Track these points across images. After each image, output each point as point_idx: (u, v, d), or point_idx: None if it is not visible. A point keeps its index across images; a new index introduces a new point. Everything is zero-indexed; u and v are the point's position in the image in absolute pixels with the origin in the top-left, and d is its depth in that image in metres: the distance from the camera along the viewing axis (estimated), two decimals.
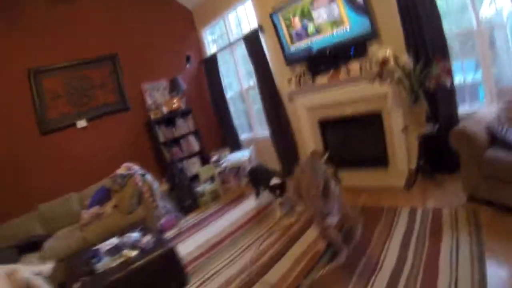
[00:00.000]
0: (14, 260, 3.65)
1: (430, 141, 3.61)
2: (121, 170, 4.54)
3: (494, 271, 2.23)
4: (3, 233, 4.19)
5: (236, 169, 5.90)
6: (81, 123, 5.20)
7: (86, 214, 4.36)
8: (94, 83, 5.39)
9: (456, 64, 3.59)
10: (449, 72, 3.21)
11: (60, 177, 4.98)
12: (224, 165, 5.70)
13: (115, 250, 3.30)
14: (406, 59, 3.48)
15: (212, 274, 3.36)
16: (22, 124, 4.71)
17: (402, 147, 4.06)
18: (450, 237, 2.69)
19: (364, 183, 4.21)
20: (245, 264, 3.31)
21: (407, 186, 3.80)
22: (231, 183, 5.94)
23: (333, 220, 2.96)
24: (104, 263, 3.16)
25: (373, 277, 2.58)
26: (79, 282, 2.93)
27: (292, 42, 4.72)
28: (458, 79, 3.64)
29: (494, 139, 2.83)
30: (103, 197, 4.67)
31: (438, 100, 3.55)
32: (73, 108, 5.16)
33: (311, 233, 3.42)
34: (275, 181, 4.02)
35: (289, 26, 4.63)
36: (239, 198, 5.31)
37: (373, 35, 3.86)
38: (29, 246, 4.04)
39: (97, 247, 3.38)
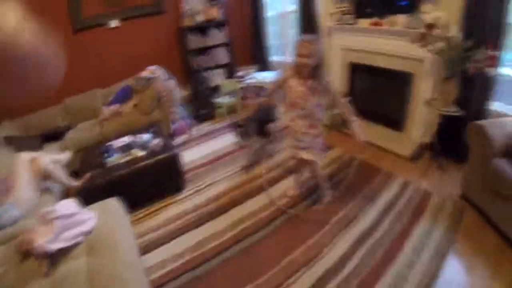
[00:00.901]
0: (37, 147, 4.05)
1: (450, 123, 3.44)
2: (146, 73, 4.69)
3: (449, 271, 2.35)
4: (30, 123, 4.54)
5: (259, 89, 5.97)
6: (114, 23, 5.20)
7: (106, 110, 4.63)
8: None
9: (509, 56, 3.19)
10: (494, 62, 2.95)
11: (88, 73, 5.14)
12: (248, 81, 5.77)
13: (126, 148, 3.61)
14: (456, 32, 3.22)
15: (208, 185, 3.72)
16: (56, 21, 4.73)
17: (421, 118, 3.94)
18: (427, 223, 2.79)
19: (374, 139, 4.18)
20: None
21: (412, 158, 3.78)
22: (250, 100, 6.05)
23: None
24: (114, 159, 3.50)
25: (344, 230, 2.81)
26: (90, 172, 3.29)
27: None
28: (504, 71, 3.24)
29: (510, 152, 2.62)
30: (126, 95, 4.90)
31: (473, 86, 3.26)
32: (108, 7, 5.10)
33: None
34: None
35: None
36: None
37: None
38: (51, 136, 4.43)
39: (110, 143, 3.69)
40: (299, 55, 2.55)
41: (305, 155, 2.86)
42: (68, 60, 4.90)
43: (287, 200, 3.28)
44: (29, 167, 2.91)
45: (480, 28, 3.08)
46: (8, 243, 2.22)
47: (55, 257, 1.99)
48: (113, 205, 2.54)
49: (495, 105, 3.36)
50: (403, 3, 3.80)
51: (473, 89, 3.28)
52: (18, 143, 3.89)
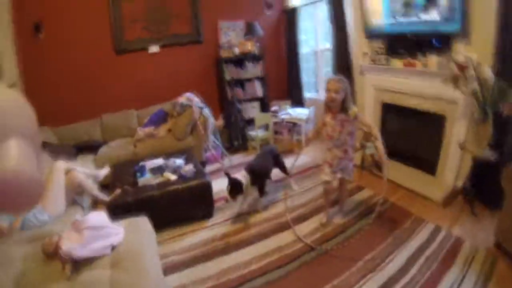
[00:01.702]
0: (72, 157, 4.21)
1: (484, 167, 3.32)
2: (182, 99, 4.82)
3: None
4: (68, 132, 4.79)
5: (292, 124, 6.00)
6: (154, 49, 5.47)
7: (141, 131, 4.77)
8: (172, 11, 5.52)
9: None
10: None
11: (125, 94, 5.42)
12: (282, 117, 5.81)
13: (158, 170, 3.66)
14: (488, 73, 3.18)
15: (237, 215, 3.66)
16: (101, 43, 5.11)
17: (454, 161, 3.83)
18: (459, 272, 2.64)
19: (405, 181, 4.12)
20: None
21: (444, 203, 3.64)
22: (283, 135, 6.07)
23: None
24: (146, 179, 3.55)
25: (370, 275, 2.69)
26: (121, 188, 3.32)
27: (386, 15, 4.31)
28: None
29: None
30: (160, 119, 5.05)
31: (507, 129, 3.19)
32: (148, 33, 5.40)
33: None
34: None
35: None
36: (287, 152, 5.44)
37: (462, 33, 3.45)
38: (86, 148, 4.61)
39: (143, 163, 3.74)
40: (328, 90, 2.97)
41: (340, 174, 3.26)
42: (109, 79, 5.22)
43: (315, 237, 3.23)
44: (63, 176, 2.97)
45: None
46: (34, 243, 2.27)
47: (80, 265, 2.01)
48: (142, 222, 2.57)
49: None
50: (435, 43, 3.78)
51: (508, 131, 3.19)
52: (53, 150, 4.01)
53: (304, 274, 2.74)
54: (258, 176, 3.61)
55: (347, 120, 3.00)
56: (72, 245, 1.97)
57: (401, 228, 3.26)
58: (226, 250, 3.09)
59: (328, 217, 3.48)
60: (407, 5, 3.95)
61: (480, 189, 3.46)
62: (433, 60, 3.78)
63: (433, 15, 3.68)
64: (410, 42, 4.05)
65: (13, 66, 4.45)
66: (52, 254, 2.00)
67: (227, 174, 3.42)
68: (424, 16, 3.76)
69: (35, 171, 0.57)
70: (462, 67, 3.24)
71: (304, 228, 3.38)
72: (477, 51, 3.33)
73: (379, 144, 3.03)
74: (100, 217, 2.30)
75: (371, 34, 4.60)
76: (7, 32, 4.37)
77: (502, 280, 2.52)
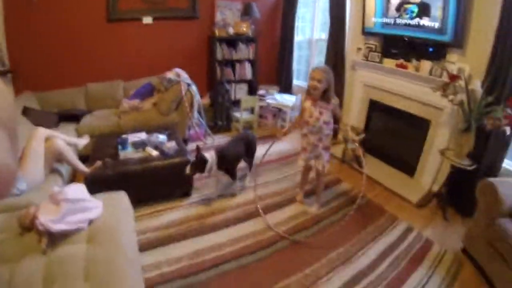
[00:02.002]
0: (54, 125, 4.12)
1: (461, 175, 3.42)
2: (171, 74, 4.74)
3: None
4: (51, 99, 4.65)
5: (277, 110, 6.01)
6: (147, 20, 5.32)
7: (126, 103, 4.68)
8: None
9: None
10: None
11: (113, 64, 5.27)
12: (268, 101, 5.81)
13: (140, 145, 3.63)
14: (477, 86, 3.27)
15: (215, 198, 3.68)
16: (94, 8, 4.91)
17: (433, 166, 3.94)
18: (425, 272, 2.74)
19: (383, 179, 4.21)
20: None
21: (419, 204, 3.76)
22: (268, 120, 6.08)
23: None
24: (127, 152, 3.52)
25: (342, 266, 2.78)
26: (101, 160, 3.29)
27: (381, 14, 4.32)
28: None
29: None
30: (147, 92, 4.97)
31: (488, 142, 3.28)
32: (144, 4, 5.25)
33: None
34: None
35: None
36: (270, 137, 5.45)
37: (457, 44, 3.53)
38: (69, 116, 4.48)
39: (126, 136, 3.69)
40: (312, 78, 3.03)
41: (313, 162, 3.35)
42: (99, 47, 5.07)
43: (289, 226, 3.29)
44: (44, 144, 2.92)
45: (502, 85, 3.12)
46: (9, 213, 2.23)
47: (56, 238, 1.98)
48: (121, 198, 2.54)
49: (508, 163, 3.40)
50: (430, 49, 3.85)
51: (488, 145, 3.29)
52: (35, 117, 3.95)
53: (276, 261, 2.80)
54: (226, 161, 3.51)
55: (326, 108, 3.09)
56: (49, 217, 1.95)
57: (375, 225, 3.35)
58: (201, 230, 3.11)
59: (303, 198, 3.70)
60: (399, 10, 4.01)
61: (455, 195, 3.60)
62: (425, 65, 3.84)
63: (427, 23, 3.74)
64: (405, 45, 4.11)
65: None
66: (28, 226, 1.97)
67: (198, 149, 3.38)
68: (420, 22, 3.81)
69: (5, 158, 0.55)
70: (453, 77, 3.30)
71: (279, 215, 3.43)
72: (470, 63, 3.43)
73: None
74: (78, 190, 2.27)
75: (368, 31, 4.61)
76: None
77: (465, 285, 2.64)
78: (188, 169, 3.26)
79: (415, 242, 3.11)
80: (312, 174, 3.66)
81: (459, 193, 3.57)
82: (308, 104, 3.16)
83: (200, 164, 3.29)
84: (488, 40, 3.20)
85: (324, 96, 3.06)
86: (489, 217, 2.64)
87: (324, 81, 2.97)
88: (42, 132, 2.98)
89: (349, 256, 2.89)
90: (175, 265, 2.67)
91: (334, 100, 3.12)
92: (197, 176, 3.49)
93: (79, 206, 2.12)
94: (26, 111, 3.97)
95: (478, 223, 2.79)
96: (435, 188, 3.85)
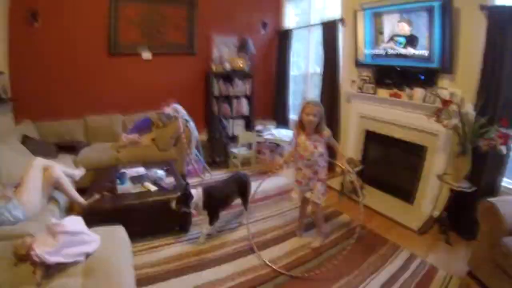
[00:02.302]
0: (52, 155, 4.11)
1: (461, 198, 3.45)
2: (169, 110, 4.80)
3: None
4: (50, 129, 4.69)
5: (275, 145, 6.02)
6: (146, 55, 5.45)
7: (125, 138, 4.71)
8: (168, 21, 5.55)
9: None
10: (507, 141, 3.02)
11: (112, 97, 5.34)
12: (265, 136, 5.84)
13: (139, 179, 3.62)
14: (470, 109, 3.35)
15: (214, 233, 3.60)
16: (96, 41, 5.05)
17: (432, 191, 3.95)
18: None
19: (383, 209, 4.19)
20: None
21: (421, 231, 3.73)
22: (265, 156, 6.07)
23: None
24: (126, 187, 3.47)
25: None
26: (100, 194, 3.26)
27: (372, 46, 4.50)
28: None
29: None
30: (145, 127, 5.01)
31: (485, 163, 3.33)
32: (143, 38, 5.39)
33: None
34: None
35: (379, 30, 4.36)
36: (268, 173, 5.42)
37: (447, 70, 3.66)
38: (67, 148, 4.50)
39: (124, 170, 3.67)
40: (306, 113, 3.08)
41: (309, 195, 3.36)
42: (99, 79, 5.18)
43: (290, 259, 3.21)
44: (42, 173, 2.92)
45: (494, 105, 3.21)
46: (4, 241, 2.19)
47: (51, 270, 1.94)
48: (119, 232, 2.51)
49: (506, 182, 3.40)
50: (421, 77, 3.96)
51: (485, 166, 3.33)
52: (34, 146, 3.97)
53: None
54: (211, 200, 3.34)
55: (319, 141, 3.13)
56: (45, 248, 1.91)
57: (377, 255, 3.29)
58: (200, 266, 3.03)
59: (302, 232, 3.65)
60: (390, 42, 4.18)
61: (456, 219, 3.59)
62: (418, 93, 3.94)
63: (417, 52, 3.88)
64: (398, 74, 4.22)
65: (4, 54, 4.40)
66: (23, 256, 1.92)
67: (187, 184, 3.34)
68: (409, 52, 3.96)
69: None
70: (446, 102, 3.38)
71: (278, 250, 3.35)
72: (461, 87, 3.54)
73: (344, 162, 3.24)
74: (76, 222, 2.24)
75: (360, 63, 4.74)
76: (2, 19, 4.32)
77: None
78: (173, 204, 3.16)
79: (419, 270, 3.05)
80: (310, 207, 3.57)
81: (460, 217, 3.57)
82: (302, 138, 3.20)
83: (185, 199, 3.19)
84: (476, 64, 3.34)
85: (317, 129, 3.12)
86: (493, 237, 2.62)
87: (318, 115, 3.05)
88: (40, 161, 3.00)
89: None
90: None
91: (326, 132, 3.16)
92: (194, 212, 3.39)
93: (76, 239, 2.09)
94: (25, 140, 4.02)
95: (482, 245, 2.78)
96: (436, 213, 3.85)
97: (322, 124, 3.12)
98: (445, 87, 3.70)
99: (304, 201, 3.53)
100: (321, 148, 3.16)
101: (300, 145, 3.20)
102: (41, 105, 4.78)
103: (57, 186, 3.05)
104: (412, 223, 3.83)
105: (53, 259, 1.90)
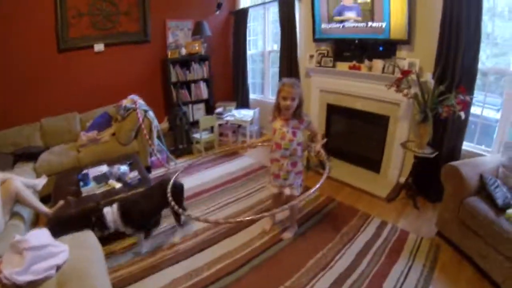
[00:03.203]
0: (9, 166, 3.90)
1: (425, 164, 3.60)
2: (127, 102, 4.64)
3: None
4: (3, 138, 4.33)
5: (237, 126, 6.02)
6: (99, 47, 5.18)
7: (84, 136, 4.51)
8: (119, 8, 5.25)
9: (478, 94, 3.43)
10: (466, 107, 3.14)
11: (67, 95, 5.06)
12: (226, 118, 5.81)
13: (102, 178, 3.50)
14: (429, 77, 3.44)
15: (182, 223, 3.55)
16: (42, 38, 4.69)
17: (397, 159, 4.11)
18: (405, 262, 2.83)
19: (351, 180, 4.30)
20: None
21: (388, 198, 3.87)
22: (228, 137, 6.06)
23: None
24: (90, 188, 3.38)
25: (321, 273, 2.78)
26: (64, 199, 3.15)
27: (328, 20, 4.47)
28: (475, 110, 3.49)
29: (483, 189, 2.77)
30: (104, 122, 4.84)
31: (446, 129, 3.49)
32: (94, 30, 5.10)
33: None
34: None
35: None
36: (232, 154, 5.47)
37: (405, 40, 3.71)
38: (25, 156, 4.21)
39: (86, 171, 3.56)
40: (283, 98, 2.72)
41: (288, 191, 2.96)
42: (49, 79, 4.85)
43: (263, 240, 3.23)
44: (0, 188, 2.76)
45: (452, 73, 3.33)
46: None
47: None
48: (87, 237, 2.43)
49: (467, 145, 3.59)
50: (380, 48, 4.02)
51: (446, 131, 3.49)
52: None
53: (255, 278, 2.76)
54: (131, 217, 2.88)
55: (298, 128, 2.81)
56: (13, 269, 1.83)
57: (349, 225, 3.40)
58: (175, 259, 3.01)
59: (273, 223, 3.46)
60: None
61: (422, 184, 3.77)
62: (378, 64, 4.01)
63: (374, 24, 3.93)
64: (356, 47, 4.26)
65: None
66: None
67: (98, 204, 2.90)
68: (368, 24, 3.99)
69: None
70: (405, 72, 3.46)
71: (253, 231, 3.38)
72: (420, 57, 3.63)
73: (320, 147, 2.88)
74: (41, 235, 2.14)
75: (319, 37, 4.74)
76: None
77: (446, 266, 2.77)
78: (96, 232, 2.67)
79: (390, 235, 3.20)
80: (287, 191, 3.02)
81: (426, 181, 3.74)
82: (278, 124, 2.85)
83: (99, 222, 2.77)
84: (434, 33, 3.42)
85: (296, 113, 2.78)
86: (457, 199, 2.81)
87: (297, 98, 2.72)
88: None
89: (328, 261, 2.91)
90: None
91: (307, 117, 2.85)
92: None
93: (44, 253, 2.01)
94: None
95: (447, 206, 2.95)
96: (402, 180, 4.01)
97: (302, 108, 2.80)
98: (404, 57, 3.78)
99: (279, 197, 3.15)
100: (300, 136, 2.84)
101: (277, 132, 2.85)
102: None
103: (18, 199, 2.89)
104: (380, 191, 3.97)
105: (22, 278, 1.82)
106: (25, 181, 3.12)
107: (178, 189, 3.22)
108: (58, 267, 2.05)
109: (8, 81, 4.56)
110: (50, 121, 4.73)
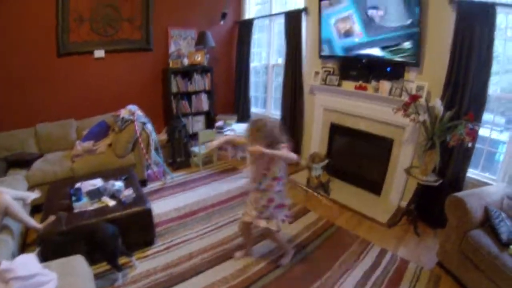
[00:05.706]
0: (2, 173, 3.80)
1: (428, 190, 3.52)
2: (125, 113, 4.53)
3: None
4: None
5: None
6: (99, 53, 5.07)
7: (80, 146, 4.39)
8: (122, 15, 5.15)
9: (486, 117, 3.37)
10: (474, 136, 3.08)
11: (64, 101, 4.94)
12: (226, 133, 5.71)
13: (96, 194, 3.37)
14: (438, 103, 3.34)
15: (179, 242, 3.46)
16: (42, 41, 4.58)
17: (400, 183, 4.04)
18: None
19: (351, 203, 4.21)
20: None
21: (389, 224, 3.79)
22: (227, 152, 5.96)
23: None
24: (82, 204, 3.24)
25: None
26: (55, 215, 3.01)
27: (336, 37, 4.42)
28: (482, 132, 3.37)
29: (487, 222, 2.72)
30: (101, 131, 4.72)
31: (451, 156, 3.42)
32: (95, 36, 4.99)
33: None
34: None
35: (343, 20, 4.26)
36: (231, 170, 5.38)
37: (415, 62, 3.65)
38: (18, 162, 4.09)
39: (80, 184, 3.43)
40: (251, 141, 2.53)
41: (264, 223, 2.76)
42: (47, 84, 4.73)
43: (259, 267, 3.10)
44: None
45: (462, 99, 3.27)
46: None
47: None
48: (77, 263, 2.31)
49: (471, 172, 3.52)
50: (387, 69, 3.95)
51: (451, 159, 3.43)
52: None
53: None
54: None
55: (274, 162, 2.56)
56: None
57: (348, 252, 3.32)
58: (169, 282, 2.89)
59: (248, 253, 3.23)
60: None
61: (423, 210, 3.69)
62: (385, 85, 3.92)
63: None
64: (363, 66, 4.19)
65: None
66: None
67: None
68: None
69: None
70: (413, 97, 3.39)
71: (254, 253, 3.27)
72: (428, 80, 3.56)
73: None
74: (29, 263, 2.03)
75: (325, 54, 4.67)
76: None
77: None
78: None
79: (390, 265, 3.13)
80: (258, 223, 2.81)
81: (427, 207, 3.67)
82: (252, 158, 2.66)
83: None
84: (443, 57, 3.37)
85: (271, 147, 2.48)
86: (461, 230, 2.75)
87: (267, 137, 2.48)
88: None
89: None
90: None
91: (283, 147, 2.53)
92: None
93: (31, 283, 1.90)
94: None
95: (450, 238, 2.88)
96: (403, 204, 3.95)
97: (276, 143, 2.50)
98: (412, 80, 3.72)
99: (247, 227, 2.99)
100: (276, 170, 2.59)
101: (252, 163, 2.67)
102: None
103: (7, 213, 2.77)
104: (380, 216, 3.90)
105: None
106: (15, 194, 3.01)
107: (106, 238, 2.72)
108: None
109: (4, 83, 4.44)
110: (45, 127, 4.61)
